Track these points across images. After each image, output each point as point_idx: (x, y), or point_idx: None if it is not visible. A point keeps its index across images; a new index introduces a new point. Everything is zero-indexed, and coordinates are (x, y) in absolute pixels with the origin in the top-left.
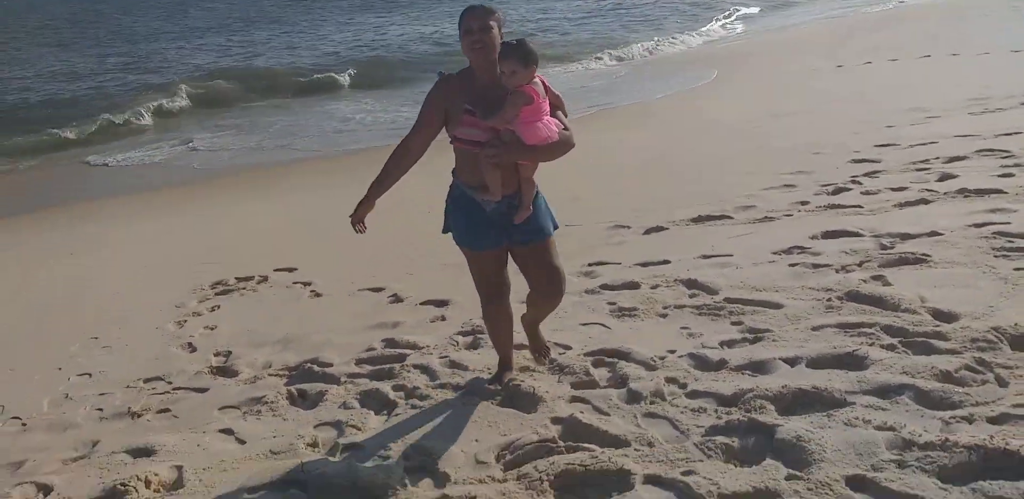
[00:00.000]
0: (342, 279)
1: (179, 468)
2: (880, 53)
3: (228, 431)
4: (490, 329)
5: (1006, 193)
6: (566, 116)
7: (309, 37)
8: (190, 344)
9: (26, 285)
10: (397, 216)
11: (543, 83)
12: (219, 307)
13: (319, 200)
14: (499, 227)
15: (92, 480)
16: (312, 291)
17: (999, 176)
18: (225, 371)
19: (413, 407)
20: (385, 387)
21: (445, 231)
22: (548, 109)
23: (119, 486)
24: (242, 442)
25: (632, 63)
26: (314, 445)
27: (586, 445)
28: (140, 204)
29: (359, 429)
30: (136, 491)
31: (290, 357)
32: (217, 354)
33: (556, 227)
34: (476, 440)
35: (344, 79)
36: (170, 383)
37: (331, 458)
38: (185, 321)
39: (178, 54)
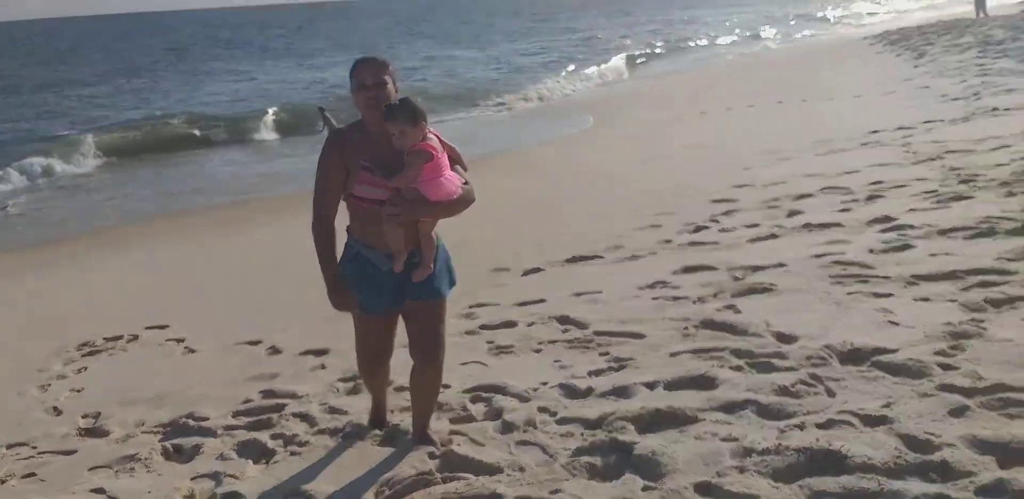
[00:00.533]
0: (218, 333)
1: None
2: (739, 99)
3: (100, 490)
4: (367, 384)
5: (843, 226)
6: (465, 169)
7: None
8: (55, 408)
9: None
10: (272, 268)
11: (437, 137)
12: (86, 368)
13: (187, 254)
14: (395, 286)
15: None
16: (186, 347)
17: (839, 211)
18: (94, 432)
19: (292, 454)
20: (263, 436)
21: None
22: (447, 163)
23: None
24: None
25: (519, 109)
26: (191, 497)
27: (462, 474)
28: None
29: (237, 478)
30: None
31: (164, 414)
32: (85, 416)
33: (454, 283)
34: (354, 480)
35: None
36: (35, 447)
37: None
38: (49, 385)
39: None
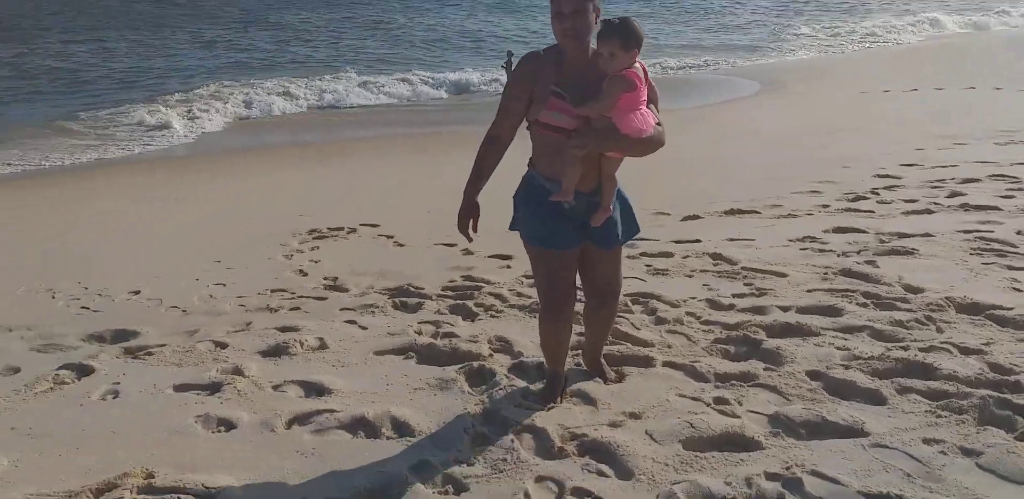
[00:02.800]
0: (419, 235)
1: (321, 339)
2: (927, 81)
3: (351, 322)
4: (547, 341)
5: (1001, 210)
6: (658, 111)
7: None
8: (301, 270)
9: (149, 221)
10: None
11: (643, 70)
12: (318, 248)
13: (391, 168)
14: (578, 226)
15: (257, 341)
16: (395, 242)
17: (1001, 197)
18: (336, 287)
19: (492, 316)
20: (468, 304)
21: (512, 227)
22: (645, 98)
23: (281, 344)
24: (364, 328)
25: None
26: (420, 333)
27: (620, 342)
28: (230, 165)
29: (452, 325)
30: (297, 346)
31: (388, 282)
32: (326, 278)
33: (638, 231)
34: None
35: None
36: (293, 293)
37: (435, 341)
38: (291, 255)
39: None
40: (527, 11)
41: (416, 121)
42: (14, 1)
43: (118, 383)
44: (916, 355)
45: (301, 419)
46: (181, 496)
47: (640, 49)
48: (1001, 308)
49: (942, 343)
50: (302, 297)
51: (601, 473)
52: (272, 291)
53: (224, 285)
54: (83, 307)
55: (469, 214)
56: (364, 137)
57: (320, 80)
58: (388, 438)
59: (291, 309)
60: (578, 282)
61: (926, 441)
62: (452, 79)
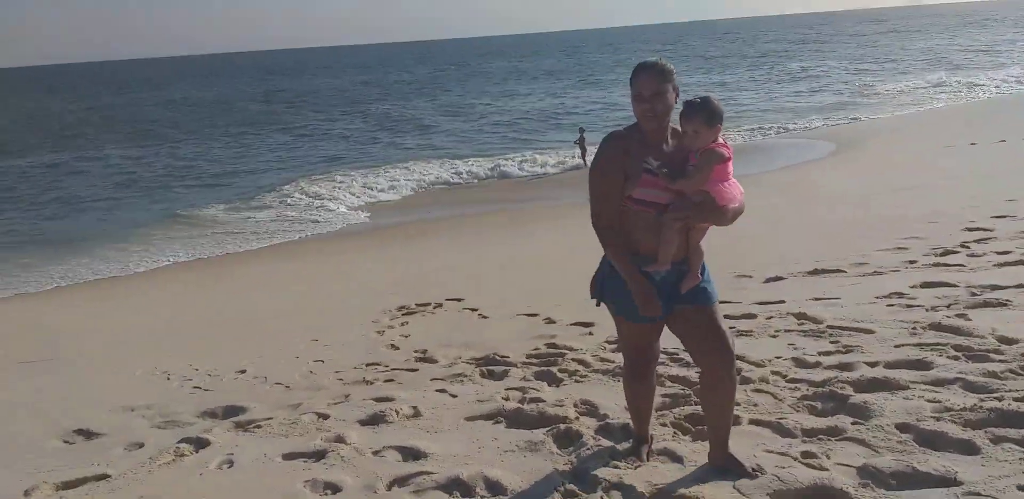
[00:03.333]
0: (503, 307)
1: (414, 407)
2: (982, 135)
3: (442, 391)
4: (631, 403)
5: None
6: None
7: None
8: (392, 345)
9: (250, 305)
10: (544, 260)
11: (725, 144)
12: (407, 323)
13: (465, 246)
14: (664, 297)
15: (356, 412)
16: (479, 314)
17: None
18: (426, 359)
19: (576, 381)
20: (553, 370)
21: (598, 302)
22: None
23: (378, 413)
24: (454, 396)
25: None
26: (507, 399)
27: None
28: (324, 247)
29: (538, 391)
30: (393, 415)
31: (475, 353)
32: (416, 351)
33: (717, 297)
34: None
35: None
36: (387, 366)
37: (523, 406)
38: (383, 331)
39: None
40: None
41: (491, 199)
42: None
43: (232, 454)
44: (1010, 405)
45: (400, 481)
46: None
47: (722, 124)
48: None
49: None
50: (395, 369)
51: None
52: (367, 365)
53: (323, 361)
54: (195, 387)
55: (651, 295)
56: (440, 217)
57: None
58: (482, 497)
59: (385, 381)
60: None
61: (1020, 488)
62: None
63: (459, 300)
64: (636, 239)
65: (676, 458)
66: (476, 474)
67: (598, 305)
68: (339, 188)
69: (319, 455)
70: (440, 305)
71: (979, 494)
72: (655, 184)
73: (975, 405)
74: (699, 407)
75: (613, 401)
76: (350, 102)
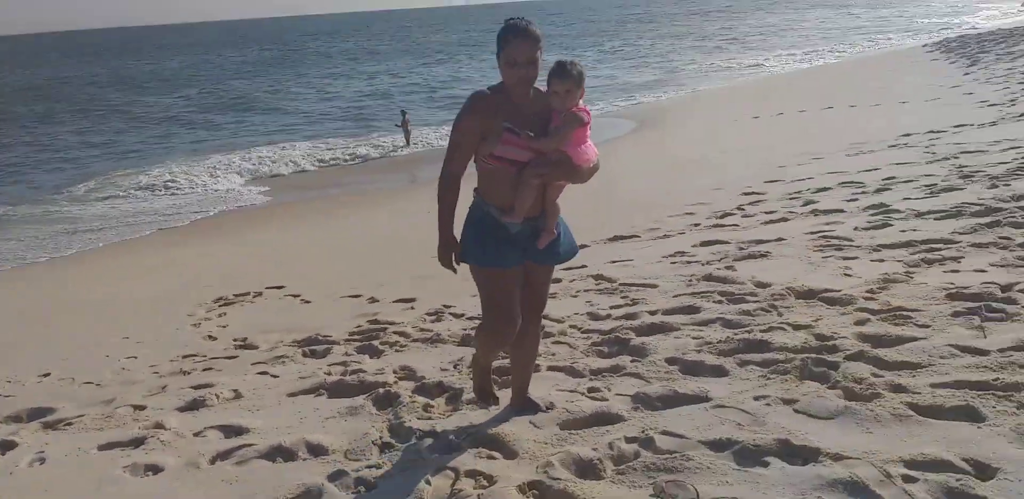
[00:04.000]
0: (326, 290)
1: (235, 390)
2: (792, 105)
3: (264, 373)
4: (485, 356)
5: (845, 211)
6: None
7: None
8: (210, 336)
9: (57, 304)
10: (365, 240)
11: (585, 108)
12: (225, 314)
13: (288, 234)
14: (520, 249)
15: (174, 400)
16: (301, 299)
17: (846, 200)
18: (247, 346)
19: (396, 351)
20: (375, 343)
21: (463, 258)
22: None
23: (198, 399)
24: (275, 376)
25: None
26: (329, 374)
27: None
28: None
29: (360, 363)
30: (214, 398)
31: (296, 336)
32: (235, 339)
33: (576, 253)
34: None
35: None
36: (205, 356)
37: (344, 377)
38: (199, 324)
39: None
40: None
41: (312, 185)
42: None
43: (42, 452)
44: (756, 335)
45: (223, 455)
46: None
47: (584, 87)
48: (831, 291)
49: (779, 324)
50: (213, 359)
51: (491, 457)
52: (183, 357)
53: (135, 358)
54: None
55: (450, 249)
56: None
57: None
58: (304, 460)
59: (204, 370)
60: None
61: (756, 398)
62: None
63: (280, 287)
64: (497, 194)
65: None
66: (298, 440)
67: (462, 261)
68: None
69: (137, 442)
70: (260, 294)
71: (724, 405)
72: (516, 143)
73: (728, 338)
74: (505, 360)
75: (430, 364)
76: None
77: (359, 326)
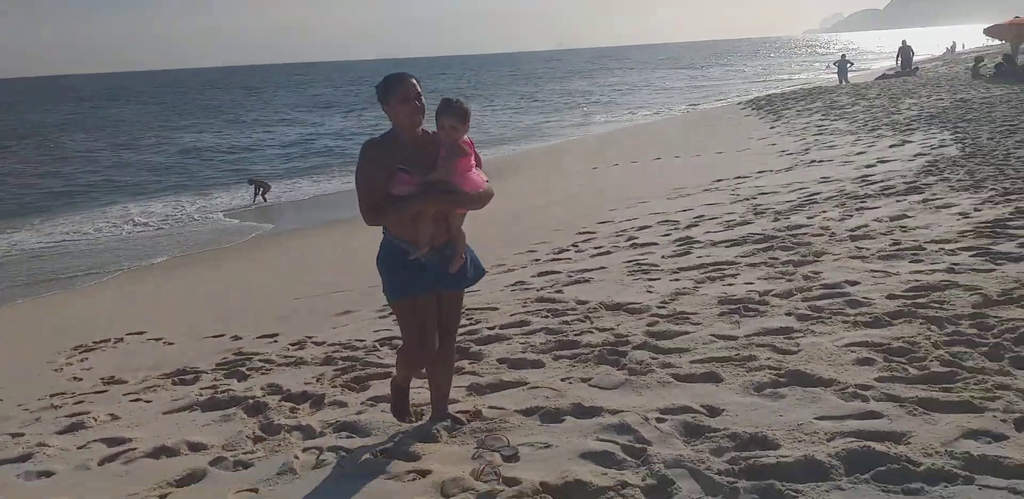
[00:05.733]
0: (189, 332)
1: (111, 414)
2: (627, 156)
3: (137, 399)
4: (404, 378)
5: (657, 244)
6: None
7: None
8: (75, 377)
9: None
10: (228, 290)
11: (470, 140)
12: (87, 359)
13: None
14: (432, 277)
15: (51, 426)
16: (164, 342)
17: (662, 235)
18: (116, 382)
19: (262, 374)
20: (241, 369)
21: (385, 293)
22: (475, 162)
23: (76, 422)
24: (149, 401)
25: None
26: (200, 395)
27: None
28: None
29: (229, 385)
30: (92, 421)
31: (166, 370)
32: (102, 378)
33: (484, 273)
34: (310, 378)
35: None
36: (74, 393)
37: (216, 395)
38: (61, 368)
39: None
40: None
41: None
42: None
43: None
44: (569, 337)
45: (110, 458)
46: None
47: (469, 123)
48: (634, 303)
49: (589, 329)
50: (83, 394)
51: (350, 437)
52: (51, 395)
53: (0, 400)
54: None
55: (430, 188)
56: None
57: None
58: (186, 454)
59: (75, 403)
60: None
61: (562, 379)
62: None
63: (141, 333)
64: (402, 229)
65: (342, 404)
66: (179, 441)
67: (386, 297)
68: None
69: (24, 458)
70: (121, 339)
71: (537, 386)
72: (408, 182)
73: (547, 341)
74: (361, 371)
75: (295, 380)
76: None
77: (225, 358)
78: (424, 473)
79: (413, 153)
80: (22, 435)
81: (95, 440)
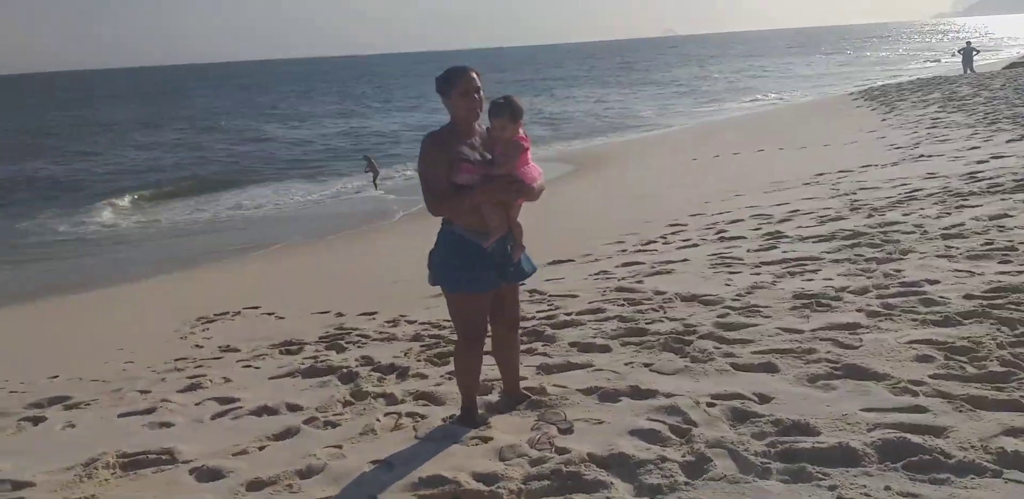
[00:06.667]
0: (297, 309)
1: (225, 377)
2: (728, 148)
3: (248, 366)
4: (466, 368)
5: (746, 238)
6: None
7: None
8: (197, 345)
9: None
10: (339, 259)
11: (526, 136)
12: (208, 329)
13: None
14: (494, 267)
15: (173, 385)
16: (276, 316)
17: (752, 229)
18: (230, 350)
19: (358, 347)
20: (340, 342)
21: (435, 283)
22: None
23: (194, 383)
24: (258, 368)
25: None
26: (302, 364)
27: None
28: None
29: (328, 356)
30: (208, 382)
31: (274, 341)
32: (220, 347)
33: (535, 269)
34: (399, 352)
35: None
36: (195, 359)
37: (315, 364)
38: (186, 337)
39: None
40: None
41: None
42: None
43: (71, 421)
44: (640, 325)
45: (219, 415)
46: (151, 456)
47: (523, 119)
48: (709, 295)
49: (660, 318)
50: (202, 359)
51: (427, 404)
52: (176, 360)
53: (133, 362)
54: (12, 391)
55: (491, 182)
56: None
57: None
58: (284, 414)
59: (195, 367)
60: None
61: (625, 364)
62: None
63: (256, 307)
64: (465, 219)
65: (424, 377)
66: (279, 402)
67: (431, 284)
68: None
69: (149, 411)
70: (239, 313)
71: (601, 369)
72: (472, 170)
73: (618, 328)
74: (444, 348)
75: (387, 354)
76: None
77: (327, 332)
78: (486, 439)
79: (472, 144)
80: (149, 392)
81: (209, 398)
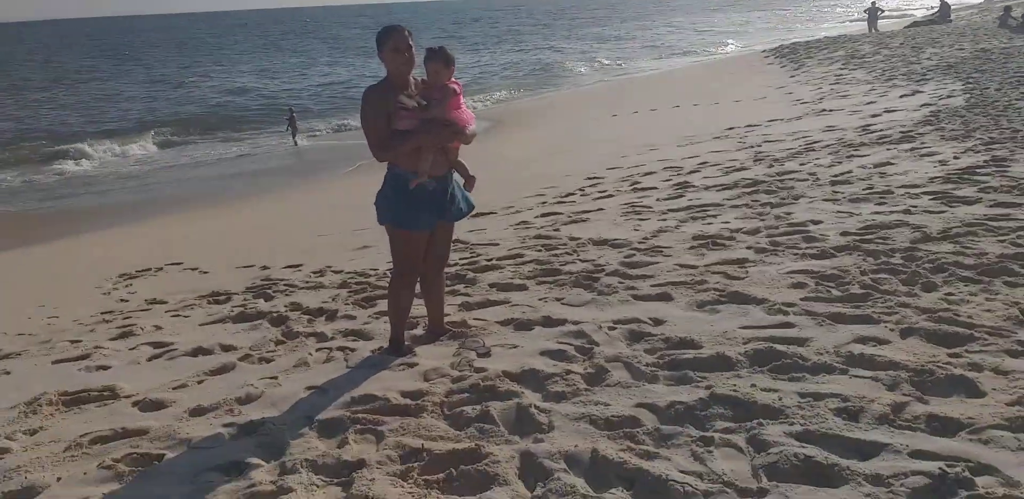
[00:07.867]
0: (221, 264)
1: (156, 325)
2: (646, 104)
3: (177, 315)
4: (398, 301)
5: (657, 188)
6: None
7: None
8: (122, 299)
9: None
10: (261, 216)
11: (458, 84)
12: (131, 284)
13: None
14: (435, 208)
15: (104, 333)
16: (200, 271)
17: (663, 180)
18: (157, 303)
19: (286, 295)
20: (268, 291)
21: (383, 221)
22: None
23: (125, 331)
24: (187, 316)
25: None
26: (231, 312)
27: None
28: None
29: (256, 304)
30: (139, 330)
31: (201, 293)
32: (146, 300)
33: (473, 208)
34: (326, 298)
35: None
36: (121, 311)
37: (244, 310)
38: (108, 293)
39: None
40: None
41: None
42: None
43: (4, 369)
44: (554, 266)
45: (155, 357)
46: (92, 394)
47: (455, 67)
48: (618, 239)
49: (573, 260)
50: (130, 311)
51: (356, 340)
52: (102, 313)
53: (57, 317)
54: None
55: (435, 120)
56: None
57: None
58: (219, 354)
59: (123, 319)
60: None
61: (539, 299)
62: None
63: (178, 263)
64: (406, 161)
65: (352, 318)
66: (213, 344)
67: (380, 223)
68: None
69: (84, 357)
70: (161, 269)
71: (516, 304)
72: (410, 116)
73: (535, 269)
74: (371, 292)
75: (315, 300)
76: None
77: (254, 283)
78: (412, 365)
79: (408, 95)
80: (80, 341)
81: (143, 343)
